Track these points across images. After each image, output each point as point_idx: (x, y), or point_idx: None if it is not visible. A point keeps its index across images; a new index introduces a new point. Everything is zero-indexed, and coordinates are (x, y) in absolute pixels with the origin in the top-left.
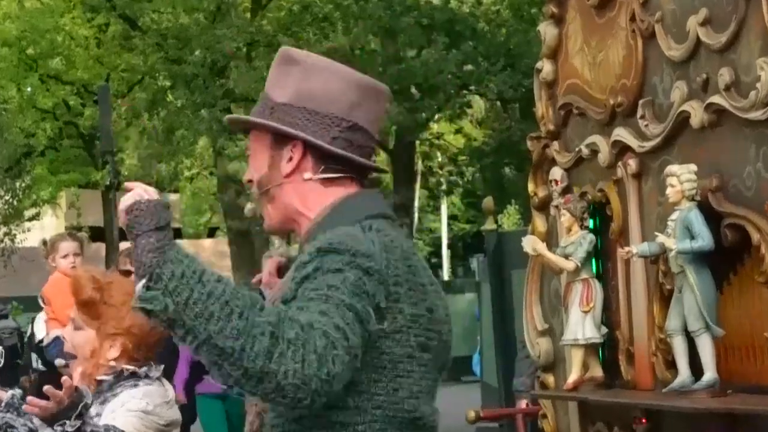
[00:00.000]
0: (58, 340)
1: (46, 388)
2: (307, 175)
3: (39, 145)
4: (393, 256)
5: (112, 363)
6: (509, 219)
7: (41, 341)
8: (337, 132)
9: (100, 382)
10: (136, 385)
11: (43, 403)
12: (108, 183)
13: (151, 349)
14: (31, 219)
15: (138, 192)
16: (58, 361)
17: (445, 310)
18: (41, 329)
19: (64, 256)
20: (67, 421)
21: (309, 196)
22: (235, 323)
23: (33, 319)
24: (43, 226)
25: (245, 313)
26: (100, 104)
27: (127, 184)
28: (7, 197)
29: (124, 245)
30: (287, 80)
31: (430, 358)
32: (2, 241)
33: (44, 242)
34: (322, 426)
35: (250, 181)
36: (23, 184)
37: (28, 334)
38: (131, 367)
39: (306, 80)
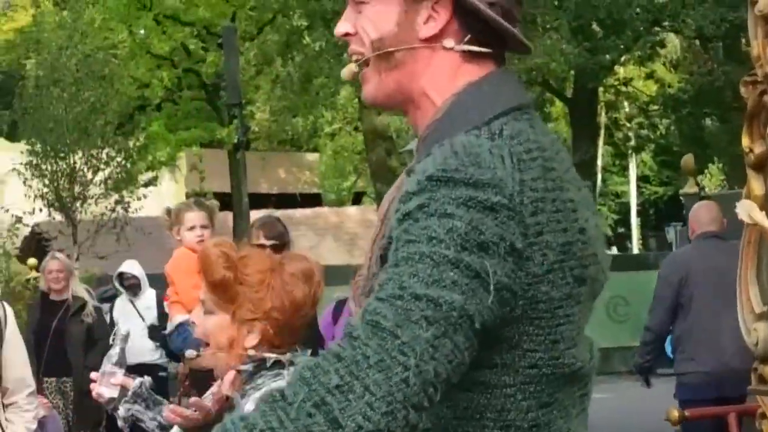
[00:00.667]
0: (182, 327)
1: (193, 400)
2: (449, 43)
3: (154, 97)
4: (530, 175)
5: (251, 352)
6: (712, 180)
7: (163, 329)
8: None
9: (237, 373)
10: (279, 375)
11: (187, 413)
12: (235, 141)
13: (296, 334)
14: (146, 184)
15: None
16: (189, 353)
17: (596, 221)
18: (151, 317)
19: (191, 228)
20: None
21: (443, 73)
22: None
23: (111, 306)
24: (161, 193)
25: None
26: (225, 48)
27: None
28: (119, 159)
29: (255, 215)
30: None
31: (587, 291)
32: (114, 210)
33: (168, 211)
34: (461, 387)
35: (349, 34)
36: (137, 144)
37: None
38: (274, 356)
39: None
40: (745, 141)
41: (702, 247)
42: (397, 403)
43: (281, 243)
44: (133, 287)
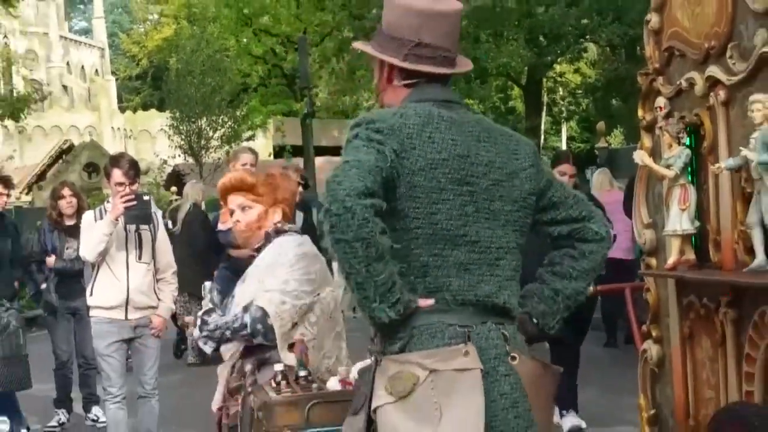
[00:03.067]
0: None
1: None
2: (396, 82)
3: (253, 83)
4: (411, 120)
5: (279, 225)
6: (615, 139)
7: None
8: (407, 50)
9: (267, 235)
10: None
11: None
12: (305, 112)
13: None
14: (247, 140)
15: None
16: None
17: (492, 154)
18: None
19: (243, 165)
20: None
21: (400, 96)
22: None
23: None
24: (257, 145)
25: None
26: (299, 51)
27: None
28: (230, 122)
29: (318, 160)
30: (384, 13)
31: (473, 191)
32: (226, 155)
33: (227, 153)
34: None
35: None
36: (241, 114)
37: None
38: (286, 225)
39: (387, 12)
40: (640, 112)
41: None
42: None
43: (305, 183)
44: None
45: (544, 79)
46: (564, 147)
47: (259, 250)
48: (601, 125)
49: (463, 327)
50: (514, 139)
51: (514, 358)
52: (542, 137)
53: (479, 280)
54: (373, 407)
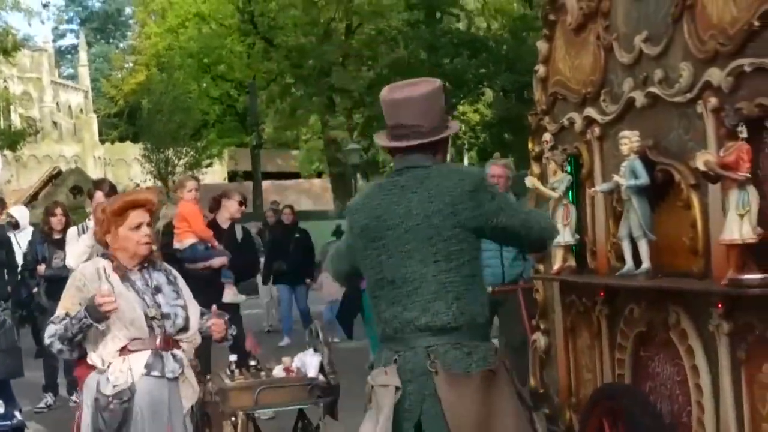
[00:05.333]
0: (194, 246)
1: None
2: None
3: (211, 120)
4: (358, 198)
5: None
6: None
7: (176, 249)
8: (387, 131)
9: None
10: None
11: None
12: (254, 144)
13: None
14: (206, 166)
15: None
16: (201, 265)
17: (404, 213)
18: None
19: (190, 191)
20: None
21: None
22: None
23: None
24: (214, 171)
25: None
26: (250, 94)
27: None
28: (192, 153)
29: (265, 183)
30: None
31: (386, 243)
32: None
33: (173, 181)
34: None
35: None
36: (201, 145)
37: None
38: None
39: None
40: (530, 145)
41: None
42: None
43: (246, 203)
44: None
45: (450, 117)
46: None
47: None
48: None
49: (393, 352)
50: (455, 180)
51: (436, 373)
52: None
53: (403, 310)
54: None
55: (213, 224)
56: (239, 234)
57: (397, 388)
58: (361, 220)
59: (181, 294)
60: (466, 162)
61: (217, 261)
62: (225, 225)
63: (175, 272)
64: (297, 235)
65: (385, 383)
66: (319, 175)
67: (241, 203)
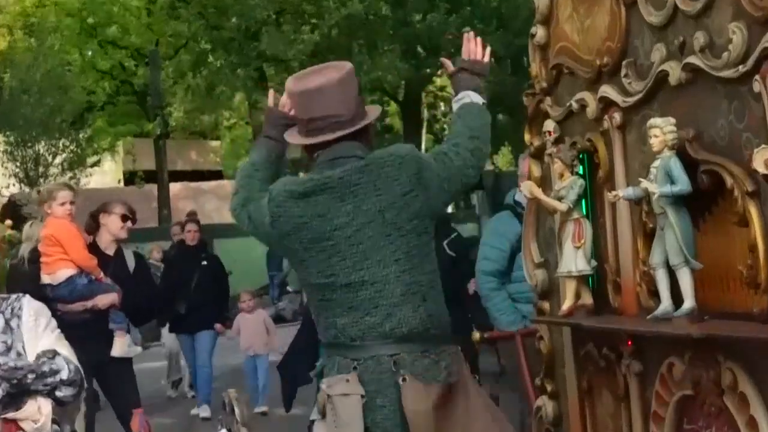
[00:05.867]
0: (71, 280)
1: None
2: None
3: (99, 101)
4: (279, 196)
5: None
6: (503, 158)
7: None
8: (300, 128)
9: None
10: (23, 296)
11: None
12: (158, 133)
13: None
14: (92, 165)
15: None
16: (80, 305)
17: (352, 210)
18: None
19: (62, 204)
20: None
21: None
22: None
23: None
24: (104, 171)
25: None
26: (150, 66)
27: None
28: (72, 147)
29: (173, 186)
30: None
31: (335, 243)
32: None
33: (38, 191)
34: None
35: None
36: (85, 136)
37: None
38: None
39: None
40: (527, 137)
41: None
42: None
43: (135, 218)
44: None
45: (423, 94)
46: None
47: None
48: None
49: (350, 360)
50: (395, 166)
51: (404, 380)
52: None
53: (364, 315)
54: (310, 420)
55: (94, 249)
56: (130, 262)
57: (361, 396)
58: (293, 218)
59: (11, 344)
60: None
61: (105, 299)
62: (110, 250)
63: (27, 308)
64: (204, 262)
65: (345, 392)
66: None
67: (126, 217)
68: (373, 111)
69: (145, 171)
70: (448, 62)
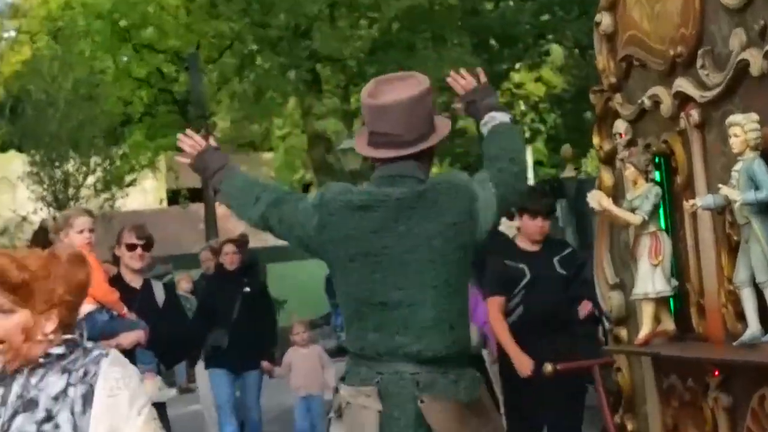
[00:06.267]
0: (90, 316)
1: None
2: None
3: (136, 112)
4: (331, 204)
5: (51, 336)
6: (592, 162)
7: None
8: (366, 139)
9: (47, 355)
10: (98, 357)
11: None
12: None
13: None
14: (129, 185)
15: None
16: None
17: (404, 232)
18: None
19: (80, 232)
20: None
21: None
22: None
23: None
24: (145, 190)
25: None
26: (190, 71)
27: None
28: (105, 165)
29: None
30: None
31: (380, 261)
32: (102, 207)
33: (54, 217)
34: None
35: None
36: (120, 152)
37: None
38: (70, 336)
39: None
40: (596, 140)
41: None
42: None
43: (149, 243)
44: None
45: (498, 92)
46: (531, 173)
47: (33, 372)
48: (566, 149)
49: (374, 372)
50: (450, 195)
51: (422, 401)
52: None
53: (393, 334)
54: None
55: (117, 282)
56: (159, 295)
57: (379, 412)
58: (344, 228)
59: (55, 413)
60: (530, 157)
61: (129, 338)
62: (135, 283)
63: (104, 376)
64: (246, 289)
65: (365, 405)
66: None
67: (133, 246)
68: (442, 128)
69: (189, 189)
70: (458, 106)
